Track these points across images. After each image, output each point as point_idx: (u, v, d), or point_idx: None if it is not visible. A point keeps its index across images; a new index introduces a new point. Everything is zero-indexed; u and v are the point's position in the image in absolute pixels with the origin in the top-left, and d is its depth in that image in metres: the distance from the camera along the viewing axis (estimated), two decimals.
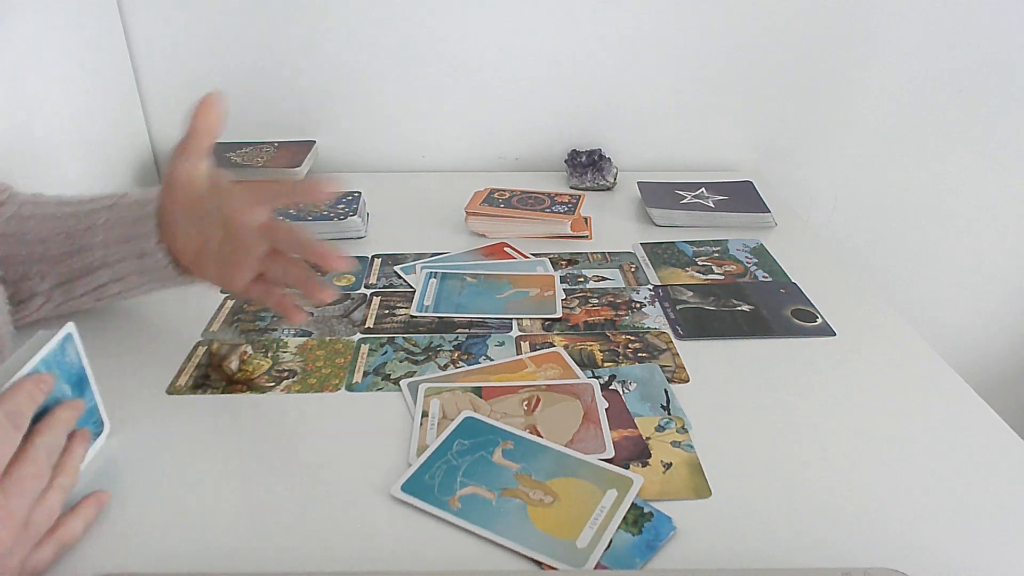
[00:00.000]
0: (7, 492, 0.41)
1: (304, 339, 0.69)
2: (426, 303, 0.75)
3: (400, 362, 0.66)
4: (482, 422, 0.57)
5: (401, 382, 0.63)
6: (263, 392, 0.62)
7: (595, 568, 0.45)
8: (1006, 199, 1.24)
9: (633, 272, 0.83)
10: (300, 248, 0.58)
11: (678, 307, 0.76)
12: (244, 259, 0.59)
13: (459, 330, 0.71)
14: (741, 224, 0.96)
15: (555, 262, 0.85)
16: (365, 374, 0.64)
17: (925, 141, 1.19)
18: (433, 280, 0.80)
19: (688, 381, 0.64)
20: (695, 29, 1.08)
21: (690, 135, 1.17)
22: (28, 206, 0.65)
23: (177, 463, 0.54)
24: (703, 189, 1.02)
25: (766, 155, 1.20)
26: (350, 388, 0.62)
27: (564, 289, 0.79)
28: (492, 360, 0.66)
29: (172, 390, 0.62)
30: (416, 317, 0.73)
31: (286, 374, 0.64)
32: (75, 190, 0.93)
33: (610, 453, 0.54)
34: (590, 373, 0.64)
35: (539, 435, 0.56)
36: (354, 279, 0.81)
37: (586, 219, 0.96)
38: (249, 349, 0.68)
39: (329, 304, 0.75)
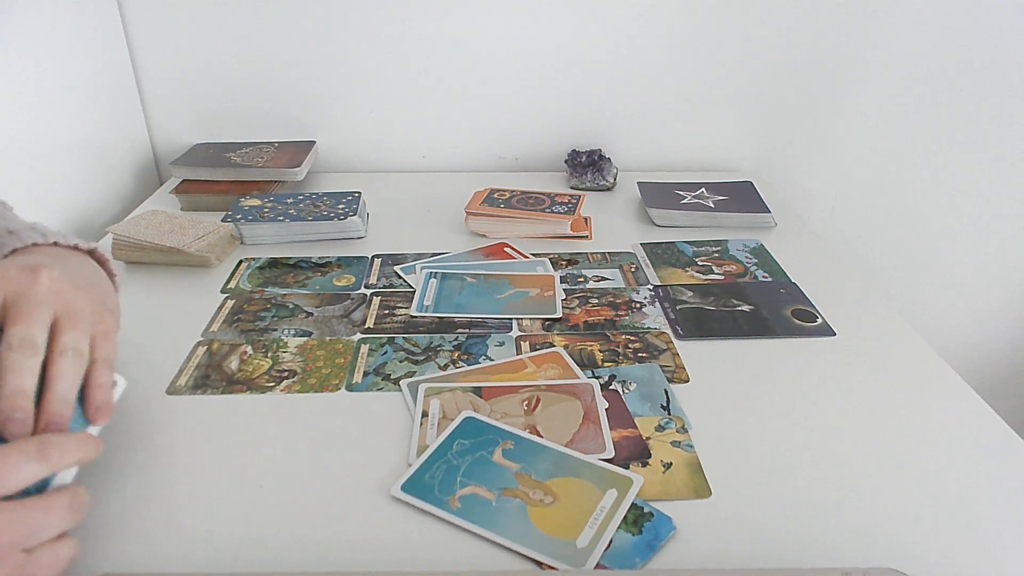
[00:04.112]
0: None
1: (304, 339, 0.69)
2: (426, 303, 0.75)
3: (400, 362, 0.66)
4: (482, 422, 0.57)
5: (401, 382, 0.63)
6: (263, 392, 0.62)
7: (595, 568, 0.45)
8: (1006, 199, 1.24)
9: (633, 272, 0.83)
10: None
11: (678, 307, 0.76)
12: None
13: (459, 330, 0.71)
14: (741, 224, 0.96)
15: (555, 262, 0.85)
16: (365, 374, 0.64)
17: (925, 141, 1.19)
18: (433, 280, 0.80)
19: (688, 381, 0.64)
20: (695, 30, 1.09)
21: (690, 135, 1.17)
22: None
23: (177, 463, 0.54)
24: (703, 189, 1.02)
25: (766, 155, 1.20)
26: (350, 388, 0.62)
27: (564, 289, 0.79)
28: (492, 360, 0.66)
29: (172, 390, 0.62)
30: (416, 317, 0.73)
31: (286, 374, 0.64)
32: (75, 191, 0.94)
33: (610, 453, 0.54)
34: (590, 373, 0.64)
35: (539, 435, 0.56)
36: (354, 279, 0.81)
37: (586, 219, 0.96)
38: (249, 349, 0.68)
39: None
